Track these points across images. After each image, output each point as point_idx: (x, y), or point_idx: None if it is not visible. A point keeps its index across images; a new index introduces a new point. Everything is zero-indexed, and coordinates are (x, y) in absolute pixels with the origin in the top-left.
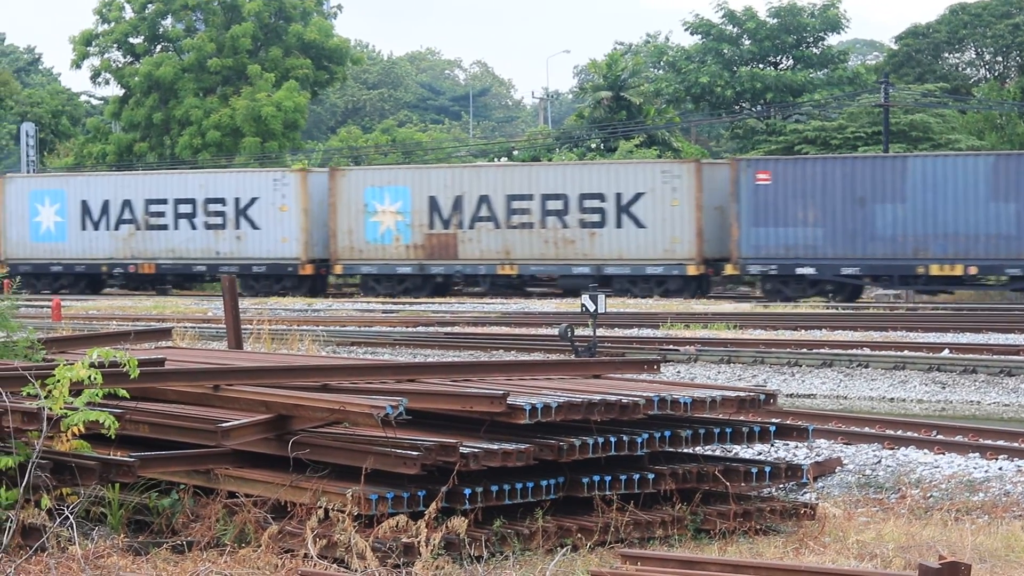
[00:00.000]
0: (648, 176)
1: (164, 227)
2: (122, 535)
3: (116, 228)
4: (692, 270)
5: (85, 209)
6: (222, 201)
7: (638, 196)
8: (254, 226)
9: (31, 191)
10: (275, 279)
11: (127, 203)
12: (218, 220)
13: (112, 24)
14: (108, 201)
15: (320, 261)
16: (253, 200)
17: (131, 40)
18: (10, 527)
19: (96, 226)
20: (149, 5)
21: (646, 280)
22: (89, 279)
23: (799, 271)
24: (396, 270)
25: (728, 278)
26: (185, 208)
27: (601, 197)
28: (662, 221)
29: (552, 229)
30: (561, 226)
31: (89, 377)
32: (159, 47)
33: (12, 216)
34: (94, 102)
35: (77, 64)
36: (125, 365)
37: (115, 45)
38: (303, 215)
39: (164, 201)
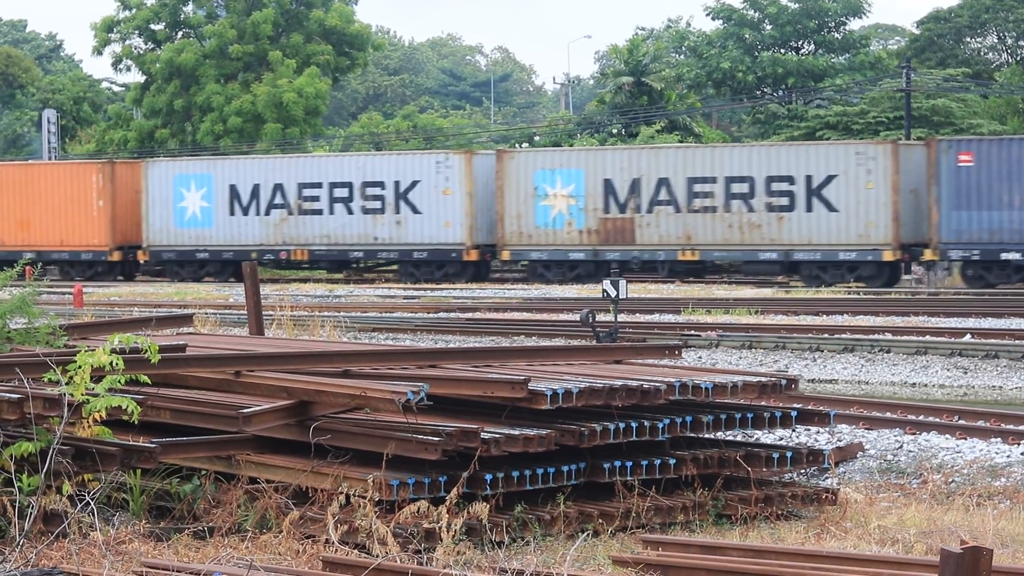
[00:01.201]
0: (841, 158)
1: (318, 212)
2: (143, 521)
3: (267, 213)
4: (888, 256)
5: (234, 193)
6: (381, 185)
7: (830, 179)
8: (415, 210)
9: (176, 175)
10: (436, 265)
11: (278, 187)
12: (376, 204)
13: (133, 11)
14: (258, 185)
15: (485, 246)
16: (414, 183)
17: (152, 27)
18: (32, 513)
19: (245, 211)
20: None
21: (837, 266)
22: (236, 266)
23: (1004, 256)
24: (568, 256)
25: (923, 264)
26: (341, 192)
27: (790, 180)
28: (856, 204)
29: (737, 213)
30: (747, 210)
31: (110, 363)
32: (180, 34)
33: (155, 201)
34: (115, 89)
35: (98, 51)
36: (146, 351)
37: (136, 32)
38: (467, 199)
39: (319, 185)
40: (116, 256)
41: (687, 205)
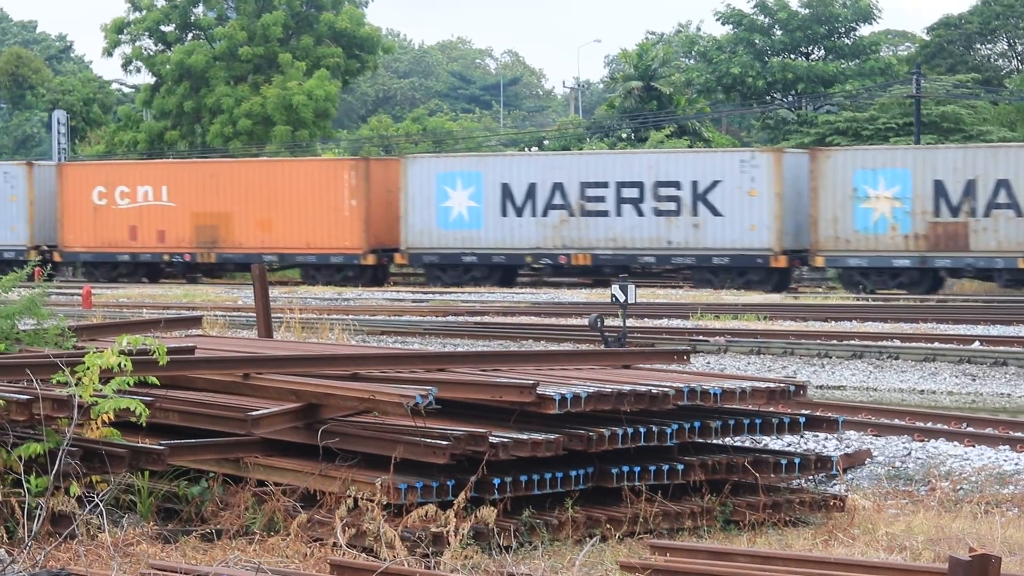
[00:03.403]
0: None
1: (604, 213)
2: (151, 523)
3: (544, 214)
4: None
5: (506, 193)
6: (676, 184)
7: None
8: (715, 212)
9: (439, 173)
10: (738, 272)
11: (558, 186)
12: (671, 206)
13: (144, 12)
14: (535, 184)
15: (792, 252)
16: (714, 183)
17: (162, 28)
18: (40, 514)
19: (519, 212)
20: None
21: None
22: (505, 271)
23: None
24: (891, 263)
25: None
26: (630, 192)
27: None
28: None
29: None
30: None
31: (119, 364)
32: (190, 35)
33: (415, 201)
34: (125, 90)
35: (109, 52)
36: (155, 353)
37: (146, 33)
38: (776, 200)
39: (604, 184)
40: (370, 259)
41: None
